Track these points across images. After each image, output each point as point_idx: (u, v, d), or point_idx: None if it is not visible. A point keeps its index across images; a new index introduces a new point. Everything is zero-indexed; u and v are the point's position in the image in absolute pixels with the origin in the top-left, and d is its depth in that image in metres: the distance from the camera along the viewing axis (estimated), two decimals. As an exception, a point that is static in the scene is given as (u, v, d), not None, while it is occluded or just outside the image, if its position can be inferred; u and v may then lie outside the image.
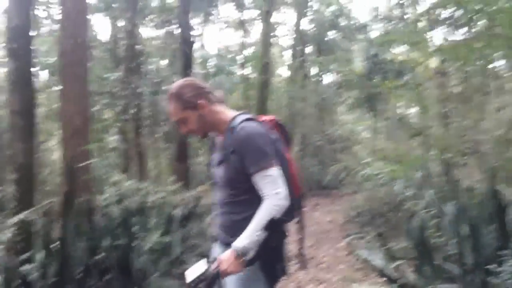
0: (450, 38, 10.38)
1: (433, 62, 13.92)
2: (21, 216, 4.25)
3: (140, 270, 4.07)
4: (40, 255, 3.77)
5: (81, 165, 5.10)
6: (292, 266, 5.95)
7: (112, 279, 3.87)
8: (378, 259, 3.51)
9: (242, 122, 2.01)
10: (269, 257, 2.02)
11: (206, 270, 1.94)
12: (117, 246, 4.10)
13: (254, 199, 1.97)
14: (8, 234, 4.26)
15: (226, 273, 1.92)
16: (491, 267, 2.56)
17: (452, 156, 5.44)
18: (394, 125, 14.71)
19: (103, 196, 5.36)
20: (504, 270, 2.50)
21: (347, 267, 5.63)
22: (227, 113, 2.12)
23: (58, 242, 3.80)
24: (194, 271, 1.97)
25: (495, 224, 2.91)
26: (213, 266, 1.94)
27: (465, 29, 9.95)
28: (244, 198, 2.03)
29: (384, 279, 3.13)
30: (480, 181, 5.02)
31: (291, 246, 7.10)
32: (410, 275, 3.26)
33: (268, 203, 1.92)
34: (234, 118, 2.07)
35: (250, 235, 1.90)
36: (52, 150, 13.99)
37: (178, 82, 2.12)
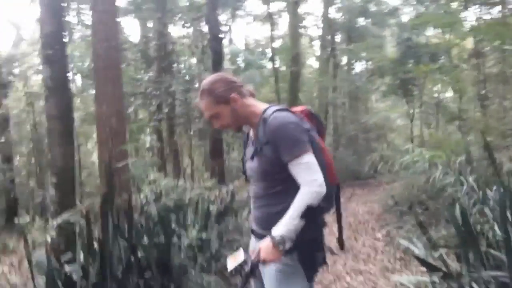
0: (485, 17, 10.00)
1: (469, 43, 13.48)
2: (62, 217, 4.37)
3: (179, 266, 4.12)
4: (81, 256, 3.87)
5: (119, 165, 5.21)
6: (330, 258, 5.91)
7: (152, 276, 3.94)
8: (418, 248, 3.41)
9: (274, 112, 1.99)
10: (308, 247, 1.99)
11: (246, 259, 1.94)
12: (156, 244, 4.17)
13: (289, 190, 1.93)
14: (50, 235, 4.41)
15: (265, 262, 1.91)
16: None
17: (492, 139, 5.25)
18: (430, 110, 14.34)
19: (141, 195, 5.47)
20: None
21: (386, 257, 5.53)
22: (259, 105, 2.11)
23: (98, 242, 3.88)
24: (234, 260, 1.99)
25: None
26: (253, 255, 1.94)
27: (499, 7, 9.56)
28: (280, 190, 2.00)
29: (426, 268, 3.04)
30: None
31: (329, 237, 7.05)
32: (454, 264, 3.16)
33: (305, 190, 1.88)
34: (266, 110, 2.05)
35: (288, 223, 1.87)
36: (90, 152, 14.42)
37: (209, 78, 2.11)
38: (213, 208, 5.68)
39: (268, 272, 2.01)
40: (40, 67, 5.96)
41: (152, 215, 4.75)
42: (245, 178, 2.29)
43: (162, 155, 11.03)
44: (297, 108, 2.19)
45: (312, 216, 1.89)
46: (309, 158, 1.91)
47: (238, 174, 12.66)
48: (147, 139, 11.17)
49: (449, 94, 16.50)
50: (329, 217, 2.20)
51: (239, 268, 1.97)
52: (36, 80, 13.96)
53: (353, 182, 14.47)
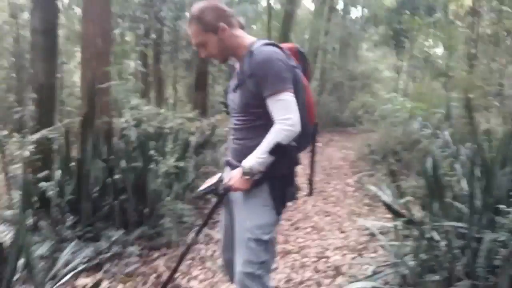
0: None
1: (467, 0, 13.24)
2: (41, 133, 4.35)
3: (154, 192, 4.20)
4: (58, 173, 3.90)
5: (101, 86, 5.13)
6: (300, 198, 6.10)
7: (127, 199, 4.02)
8: (386, 195, 3.54)
9: (261, 46, 1.98)
10: (279, 182, 2.08)
11: (217, 183, 2.07)
12: (133, 168, 4.21)
13: (268, 126, 1.95)
14: (27, 151, 4.40)
15: (234, 189, 2.01)
16: (500, 207, 2.58)
17: (474, 98, 5.32)
18: (418, 65, 14.32)
19: (122, 119, 5.45)
20: (512, 211, 2.52)
21: (355, 202, 5.74)
22: (248, 38, 2.09)
23: (76, 162, 3.91)
24: (207, 183, 2.12)
25: (510, 167, 2.89)
26: (224, 181, 2.06)
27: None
28: (259, 124, 2.03)
29: (391, 214, 3.18)
30: (500, 125, 4.94)
31: (302, 178, 7.20)
32: (418, 213, 3.31)
33: (277, 127, 1.92)
34: (253, 43, 2.04)
35: (257, 156, 1.94)
36: (72, 72, 14.09)
37: (200, 4, 2.06)
38: (193, 139, 5.73)
39: (238, 200, 2.11)
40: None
41: (132, 139, 4.77)
42: (226, 110, 2.31)
43: (146, 82, 10.87)
44: (286, 45, 2.17)
45: (283, 153, 1.94)
46: (288, 97, 1.92)
47: (220, 108, 12.66)
48: (132, 63, 10.93)
49: (439, 50, 16.42)
50: (305, 159, 2.27)
51: (209, 190, 2.10)
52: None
53: (333, 128, 14.63)
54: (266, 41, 2.05)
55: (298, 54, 2.17)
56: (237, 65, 2.14)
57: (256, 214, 2.06)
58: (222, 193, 2.07)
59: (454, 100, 5.15)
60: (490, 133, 3.61)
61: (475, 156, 2.94)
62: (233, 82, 2.13)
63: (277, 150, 1.91)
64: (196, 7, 2.06)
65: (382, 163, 5.98)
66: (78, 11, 11.40)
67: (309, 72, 2.24)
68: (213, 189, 2.07)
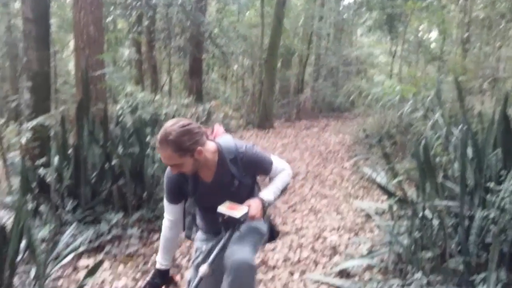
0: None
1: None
2: (38, 120, 4.37)
3: (152, 176, 4.25)
4: (56, 160, 3.93)
5: (95, 74, 5.14)
6: (298, 181, 6.16)
7: (125, 184, 4.07)
8: (381, 176, 3.61)
9: (235, 149, 2.17)
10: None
11: (243, 215, 2.09)
12: (130, 154, 4.26)
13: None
14: (24, 138, 4.42)
15: (253, 218, 2.14)
16: (491, 185, 2.64)
17: (468, 81, 5.36)
18: (412, 49, 14.34)
19: (117, 106, 5.47)
20: (503, 189, 2.58)
21: (351, 185, 5.81)
22: (210, 148, 2.16)
23: (73, 148, 3.94)
24: (228, 209, 2.11)
25: (501, 148, 2.95)
26: (247, 211, 2.13)
27: None
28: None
29: (385, 194, 3.24)
30: (492, 107, 5.00)
31: (299, 163, 7.26)
32: (412, 193, 3.38)
33: (286, 173, 2.30)
34: (220, 150, 2.16)
35: (275, 192, 2.23)
36: (66, 61, 14.01)
37: (175, 128, 2.00)
38: (189, 125, 5.75)
39: (248, 227, 2.26)
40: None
41: (128, 126, 4.80)
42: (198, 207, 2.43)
43: (140, 69, 10.84)
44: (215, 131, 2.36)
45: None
46: (275, 159, 2.30)
47: (215, 94, 12.65)
48: (126, 51, 10.87)
49: (433, 34, 16.42)
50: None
51: (232, 219, 2.09)
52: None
53: (329, 113, 14.69)
54: (226, 141, 2.22)
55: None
56: (202, 173, 2.20)
57: (254, 241, 2.28)
58: (243, 222, 2.11)
59: (447, 83, 5.20)
60: (483, 115, 3.67)
61: (466, 137, 3.00)
62: (215, 184, 2.22)
63: (285, 189, 2.32)
64: (171, 131, 2.00)
65: (378, 147, 6.04)
66: (70, -2, 11.31)
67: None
68: (237, 219, 2.09)
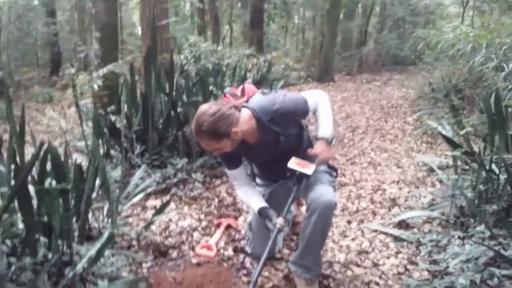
0: None
1: None
2: (107, 68, 4.57)
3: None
4: (125, 107, 4.13)
5: (160, 23, 5.25)
6: (358, 135, 6.10)
7: (190, 131, 4.22)
8: (446, 130, 3.49)
9: (269, 108, 2.14)
10: None
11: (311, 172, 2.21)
12: (194, 102, 4.38)
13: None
14: (95, 85, 4.65)
15: (326, 160, 2.22)
16: None
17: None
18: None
19: (182, 56, 5.59)
20: None
21: (413, 139, 5.67)
22: (245, 117, 2.15)
23: (141, 96, 4.12)
24: (299, 165, 2.23)
25: None
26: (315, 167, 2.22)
27: None
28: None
29: (450, 146, 3.13)
30: None
31: (359, 117, 7.15)
32: (478, 147, 3.26)
33: (324, 99, 2.28)
34: (255, 116, 2.15)
35: (329, 124, 2.23)
36: (130, 13, 14.33)
37: (206, 118, 2.02)
38: (250, 76, 5.80)
39: (322, 173, 2.38)
40: None
41: (192, 75, 4.92)
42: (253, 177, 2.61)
43: (203, 19, 10.89)
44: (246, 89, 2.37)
45: None
46: (305, 93, 2.27)
47: (276, 46, 12.51)
48: (188, 2, 10.94)
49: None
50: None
51: (303, 175, 2.22)
52: None
53: (392, 67, 14.14)
54: (257, 100, 2.20)
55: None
56: (247, 139, 2.21)
57: (330, 183, 2.39)
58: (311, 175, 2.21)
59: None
60: None
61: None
62: (264, 144, 2.25)
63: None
64: (203, 122, 2.02)
65: (444, 102, 5.79)
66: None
67: None
68: (309, 176, 2.21)
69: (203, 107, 2.08)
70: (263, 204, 2.31)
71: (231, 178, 2.45)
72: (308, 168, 2.20)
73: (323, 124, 2.24)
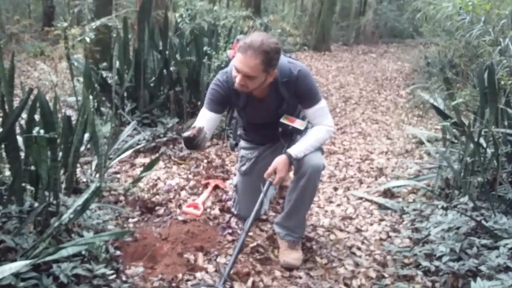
0: None
1: None
2: (100, 21, 4.47)
3: (207, 85, 4.31)
4: (117, 62, 4.06)
5: (155, -21, 5.11)
6: (349, 105, 6.10)
7: (181, 90, 4.18)
8: (438, 103, 3.49)
9: (289, 72, 2.17)
10: None
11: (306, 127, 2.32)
12: (187, 61, 4.32)
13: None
14: (88, 38, 4.54)
15: (280, 180, 2.19)
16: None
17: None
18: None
19: (176, 15, 5.46)
20: None
21: (405, 112, 5.67)
22: None
23: (133, 52, 4.04)
24: (298, 123, 2.32)
25: None
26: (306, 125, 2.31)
27: None
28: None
29: (440, 117, 3.14)
30: None
31: (353, 87, 7.09)
32: (468, 118, 3.28)
33: (327, 129, 2.25)
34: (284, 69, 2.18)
35: (306, 149, 2.18)
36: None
37: (271, 42, 1.98)
38: (245, 37, 5.70)
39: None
40: None
41: (186, 34, 4.82)
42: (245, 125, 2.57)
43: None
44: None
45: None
46: (324, 102, 2.27)
47: (274, 9, 12.30)
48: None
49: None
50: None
51: (290, 130, 2.35)
52: None
53: (390, 39, 14.04)
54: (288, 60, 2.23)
55: None
56: (255, 92, 2.20)
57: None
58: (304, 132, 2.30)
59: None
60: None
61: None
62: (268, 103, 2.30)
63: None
64: (268, 44, 1.97)
65: (438, 76, 5.77)
66: None
67: None
68: (301, 131, 2.31)
69: (263, 33, 2.14)
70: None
71: (200, 118, 2.22)
72: (299, 124, 2.26)
73: (303, 145, 2.20)
